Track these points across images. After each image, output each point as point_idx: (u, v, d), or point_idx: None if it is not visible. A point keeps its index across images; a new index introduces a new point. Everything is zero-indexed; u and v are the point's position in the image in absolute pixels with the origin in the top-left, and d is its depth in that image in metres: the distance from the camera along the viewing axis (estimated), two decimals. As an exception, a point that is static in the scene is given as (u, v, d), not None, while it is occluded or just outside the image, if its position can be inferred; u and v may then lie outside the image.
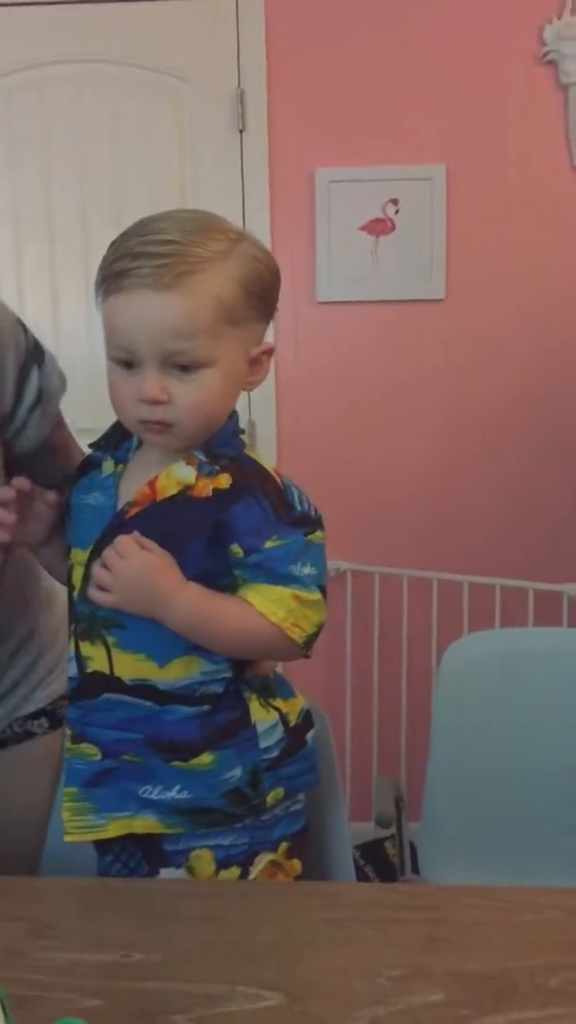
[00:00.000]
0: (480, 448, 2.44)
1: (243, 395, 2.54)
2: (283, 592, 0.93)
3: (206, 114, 2.39)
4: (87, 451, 1.05)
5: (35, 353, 1.06)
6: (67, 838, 1.00)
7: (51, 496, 1.00)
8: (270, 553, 0.92)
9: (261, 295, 0.93)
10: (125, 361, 0.92)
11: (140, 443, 1.00)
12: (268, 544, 0.92)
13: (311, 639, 0.96)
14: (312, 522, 0.96)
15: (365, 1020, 0.72)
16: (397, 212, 2.39)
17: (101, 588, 0.92)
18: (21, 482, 0.97)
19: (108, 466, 1.00)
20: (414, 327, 2.42)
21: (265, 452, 2.45)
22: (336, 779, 1.21)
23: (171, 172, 2.41)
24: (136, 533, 0.92)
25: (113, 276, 0.90)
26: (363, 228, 2.41)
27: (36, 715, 1.20)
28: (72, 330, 2.34)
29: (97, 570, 0.92)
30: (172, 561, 0.92)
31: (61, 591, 1.26)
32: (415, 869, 1.56)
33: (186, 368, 0.90)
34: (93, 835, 0.99)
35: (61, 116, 2.39)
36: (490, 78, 2.33)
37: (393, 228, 2.39)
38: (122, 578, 0.91)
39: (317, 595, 0.95)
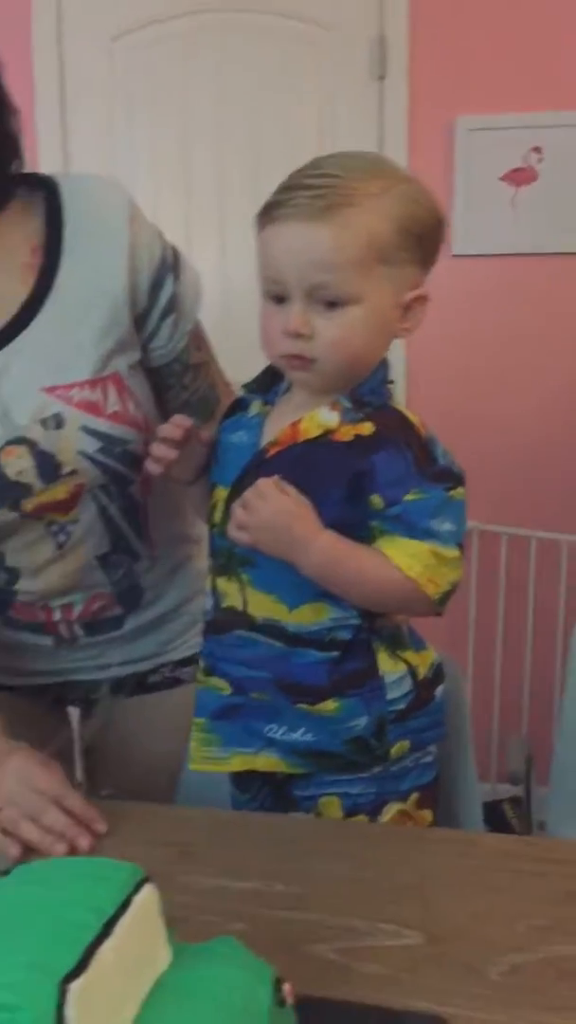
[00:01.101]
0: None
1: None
2: (421, 547, 0.91)
3: (346, 62, 2.35)
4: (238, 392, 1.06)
5: (174, 264, 1.07)
6: (192, 766, 1.03)
7: (204, 434, 1.01)
8: (409, 506, 0.91)
9: (418, 237, 0.91)
10: (275, 295, 0.92)
11: (289, 387, 1.00)
12: (408, 497, 0.91)
13: (445, 596, 0.94)
14: (454, 477, 0.94)
15: (506, 966, 0.72)
16: (540, 161, 2.31)
17: (240, 528, 0.93)
18: (183, 420, 0.99)
19: (255, 407, 1.01)
20: (555, 281, 2.35)
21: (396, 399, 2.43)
22: (467, 734, 1.21)
23: (310, 121, 2.40)
24: (277, 477, 0.92)
25: (269, 208, 0.90)
26: (503, 178, 2.34)
27: (186, 662, 1.24)
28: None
29: (237, 510, 0.93)
30: (310, 508, 0.92)
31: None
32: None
33: (331, 304, 0.89)
34: (216, 767, 1.01)
35: (202, 65, 2.39)
36: None
37: (536, 178, 2.32)
38: (260, 519, 0.91)
39: (455, 552, 0.93)
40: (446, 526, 0.93)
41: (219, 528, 0.99)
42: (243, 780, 1.04)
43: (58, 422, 1.01)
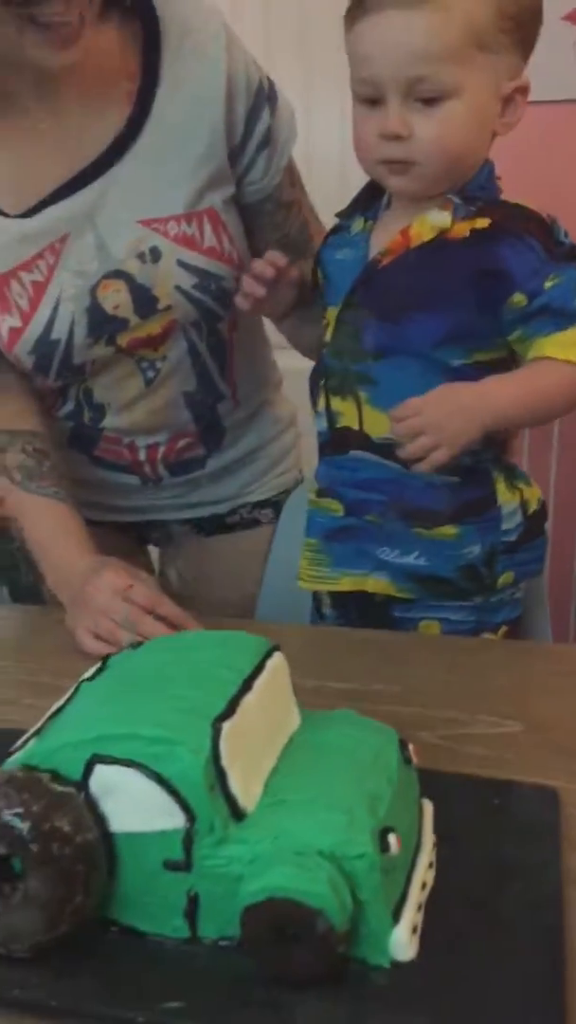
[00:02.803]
0: None
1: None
2: (574, 333, 0.88)
3: None
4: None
5: (270, 94, 1.04)
6: (302, 584, 1.05)
7: (294, 272, 1.00)
8: (553, 293, 0.88)
9: (517, 20, 0.87)
10: (369, 98, 0.88)
11: (390, 202, 0.97)
12: (548, 284, 0.88)
13: None
14: None
15: (604, 751, 0.75)
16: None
17: (414, 433, 0.87)
18: (276, 257, 0.97)
19: (358, 224, 0.98)
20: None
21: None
22: (544, 576, 1.21)
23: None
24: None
25: (359, 1, 0.86)
26: (566, 18, 2.22)
27: (263, 504, 1.26)
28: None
29: (416, 443, 0.87)
30: (448, 384, 0.89)
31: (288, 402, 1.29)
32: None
33: (430, 101, 0.85)
34: (326, 586, 1.03)
35: None
36: None
37: (604, 16, 2.20)
38: (438, 426, 0.86)
39: None
40: None
41: (331, 348, 0.97)
42: (342, 602, 1.05)
43: (155, 256, 1.01)
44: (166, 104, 0.99)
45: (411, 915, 0.53)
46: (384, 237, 0.95)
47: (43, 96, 0.98)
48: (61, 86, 0.97)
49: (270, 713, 0.59)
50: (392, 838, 0.53)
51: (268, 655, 0.62)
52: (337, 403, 0.98)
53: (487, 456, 0.96)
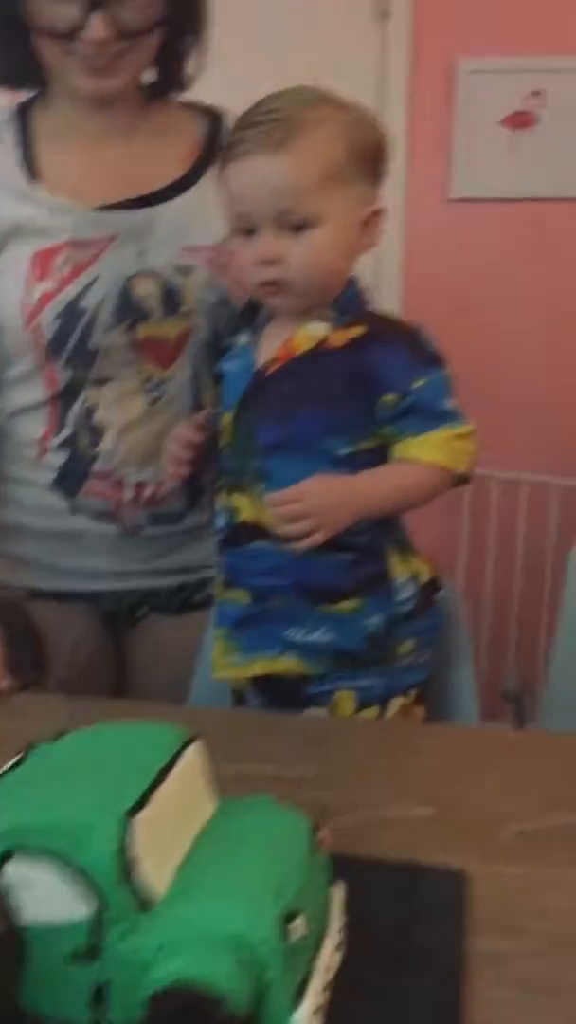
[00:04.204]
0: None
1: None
2: (440, 436, 0.99)
3: (348, 1, 2.35)
4: None
5: None
6: (215, 674, 1.10)
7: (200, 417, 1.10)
8: (421, 392, 0.98)
9: (368, 156, 0.99)
10: (245, 229, 0.98)
11: (271, 316, 1.06)
12: (416, 384, 0.98)
13: (472, 465, 1.03)
14: (443, 358, 1.02)
15: (515, 831, 0.79)
16: (540, 106, 2.33)
17: (300, 519, 0.97)
18: (196, 429, 1.08)
19: (243, 338, 1.08)
20: (552, 226, 2.38)
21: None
22: (467, 640, 1.27)
23: (307, 62, 2.38)
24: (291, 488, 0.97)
25: (228, 148, 0.98)
26: (503, 122, 2.36)
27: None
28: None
29: (296, 525, 0.96)
30: (326, 474, 0.98)
31: None
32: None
33: (298, 228, 0.96)
34: (239, 672, 1.08)
35: None
36: None
37: (535, 122, 2.34)
38: (317, 511, 0.96)
39: (469, 426, 1.01)
40: (453, 403, 1.01)
41: (228, 448, 1.06)
42: (257, 686, 1.10)
43: (187, 271, 1.14)
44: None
45: (314, 997, 0.56)
46: (269, 348, 1.04)
47: (117, 131, 1.17)
48: (134, 130, 1.19)
49: (184, 803, 0.62)
50: (297, 922, 0.55)
51: (186, 745, 0.65)
52: (236, 499, 1.05)
53: (379, 533, 1.04)
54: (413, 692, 1.09)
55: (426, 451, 0.98)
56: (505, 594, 2.50)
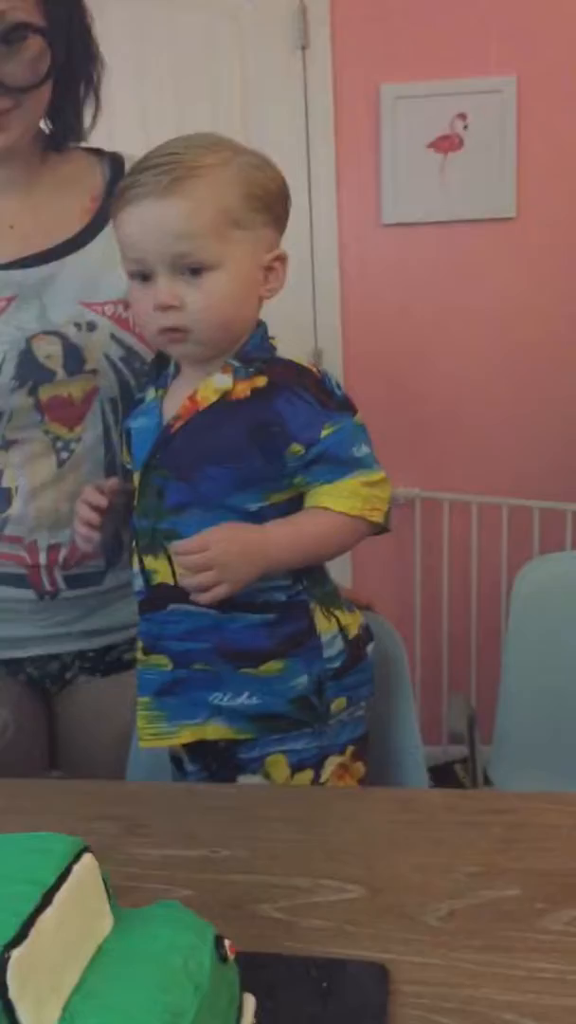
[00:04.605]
0: (553, 371, 2.40)
1: (308, 323, 2.52)
2: (351, 483, 0.96)
3: (268, 32, 2.34)
4: None
5: None
6: (142, 744, 1.05)
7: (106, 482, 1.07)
8: (329, 441, 0.95)
9: (265, 200, 0.96)
10: (140, 274, 0.95)
11: (178, 370, 1.03)
12: (324, 433, 0.95)
13: (388, 514, 1.00)
14: (353, 405, 0.99)
15: (444, 911, 0.75)
16: (466, 128, 2.32)
17: (205, 591, 0.93)
18: (102, 493, 1.05)
19: (150, 394, 1.05)
20: (484, 247, 2.37)
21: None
22: (408, 689, 1.24)
23: (232, 92, 2.38)
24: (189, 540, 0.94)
25: (120, 193, 0.95)
26: (431, 145, 2.35)
27: None
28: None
29: (199, 577, 0.93)
30: (234, 523, 0.95)
31: None
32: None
33: (195, 271, 0.93)
34: (166, 741, 1.03)
35: (120, 37, 2.35)
36: (563, -19, 2.24)
37: (462, 144, 2.33)
38: (221, 563, 0.92)
39: (381, 473, 0.98)
40: (365, 450, 0.98)
41: (138, 510, 1.02)
42: (187, 752, 1.06)
43: (91, 327, 1.11)
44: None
45: None
46: (174, 403, 1.01)
47: (15, 184, 1.15)
48: (34, 183, 1.16)
49: (74, 924, 0.58)
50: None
51: (77, 858, 0.61)
52: (150, 561, 1.01)
53: (301, 588, 1.00)
54: (350, 749, 1.05)
55: (338, 500, 0.95)
56: (460, 622, 2.48)
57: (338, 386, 0.98)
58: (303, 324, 2.43)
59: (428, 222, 2.37)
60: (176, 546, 0.94)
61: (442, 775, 2.31)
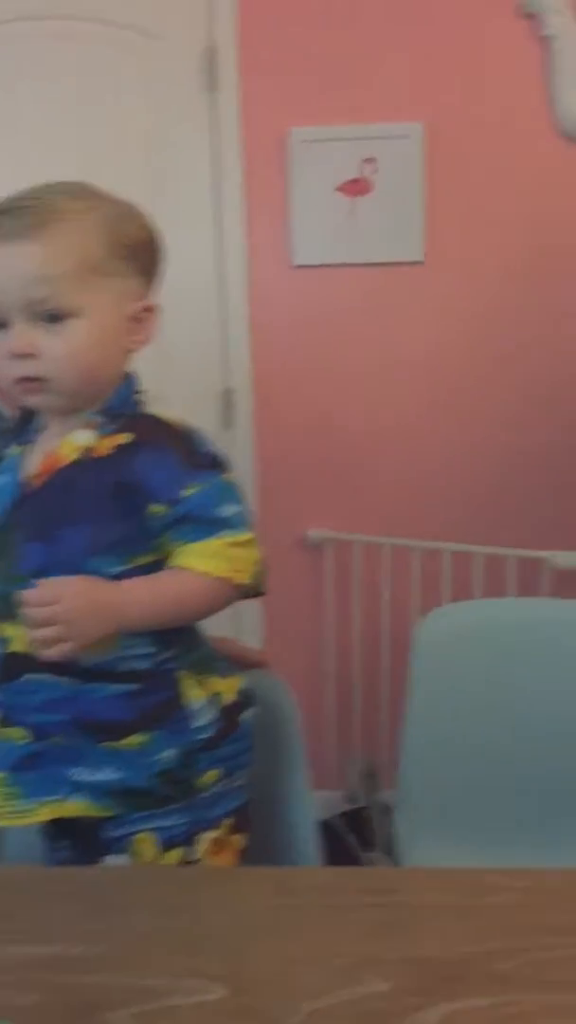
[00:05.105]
0: (461, 413, 2.40)
1: (218, 363, 2.49)
2: (216, 544, 0.91)
3: (176, 73, 2.32)
4: None
5: None
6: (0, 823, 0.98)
7: None
8: (193, 501, 0.91)
9: (131, 249, 0.93)
10: None
11: (44, 426, 0.99)
12: (187, 492, 0.91)
13: (259, 576, 0.95)
14: (223, 463, 0.95)
15: (306, 1012, 0.70)
16: (374, 172, 2.33)
17: (52, 645, 0.88)
18: None
19: (13, 450, 0.99)
20: (393, 290, 2.37)
21: (242, 420, 2.42)
22: (299, 754, 1.19)
23: (139, 133, 2.35)
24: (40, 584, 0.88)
25: None
26: (339, 189, 2.35)
27: None
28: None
29: (44, 631, 0.87)
30: (88, 578, 0.90)
31: None
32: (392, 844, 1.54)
33: (54, 319, 0.89)
34: (25, 820, 0.97)
35: (26, 73, 2.31)
36: (468, 32, 2.27)
37: (370, 188, 2.33)
38: (68, 618, 0.86)
39: (248, 534, 0.94)
40: (232, 509, 0.93)
41: None
42: (53, 830, 0.99)
43: None
44: None
45: None
46: (35, 460, 0.96)
47: None
48: None
49: None
50: None
51: None
52: (5, 628, 0.95)
53: (168, 656, 0.95)
54: (227, 822, 1.00)
55: (200, 559, 0.91)
56: (372, 668, 2.45)
57: (205, 443, 0.94)
58: (212, 364, 2.40)
59: (338, 264, 2.36)
60: (24, 595, 0.88)
61: (355, 820, 2.25)
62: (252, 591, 0.95)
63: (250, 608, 2.45)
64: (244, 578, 0.93)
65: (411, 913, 0.82)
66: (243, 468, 2.43)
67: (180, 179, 2.34)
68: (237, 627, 2.43)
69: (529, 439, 2.39)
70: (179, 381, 2.40)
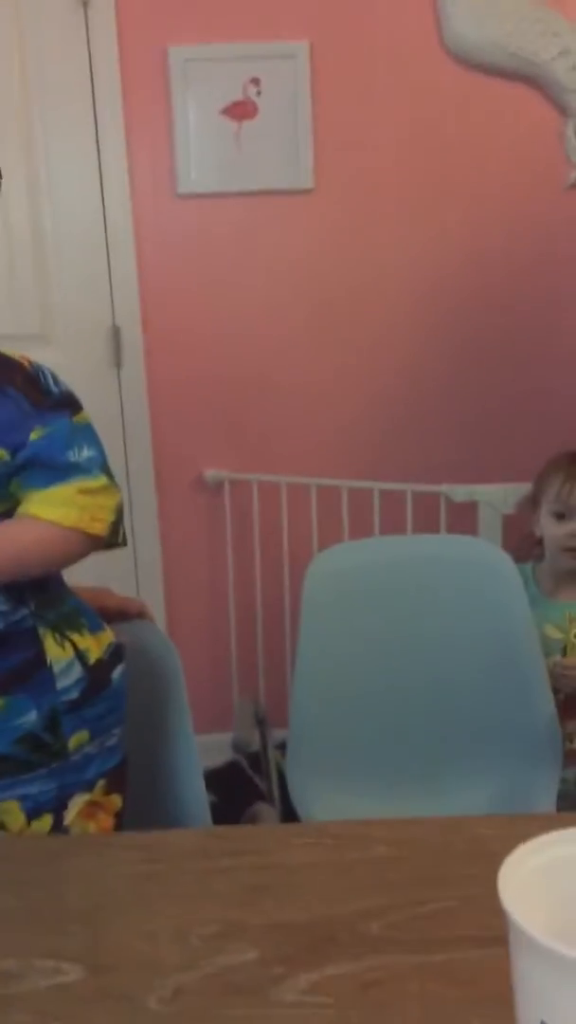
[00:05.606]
0: (353, 346, 2.36)
1: (105, 300, 2.38)
2: (66, 491, 0.86)
3: (45, -15, 2.16)
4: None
5: None
6: None
7: None
8: (40, 444, 0.85)
9: None
10: None
11: None
12: (34, 436, 0.85)
13: (115, 526, 0.89)
14: (75, 402, 0.89)
15: (169, 989, 0.67)
16: (259, 93, 2.22)
17: None
18: None
19: None
20: (281, 219, 2.29)
21: (132, 358, 2.32)
22: (184, 706, 1.16)
23: (10, 54, 2.19)
24: None
25: None
26: (224, 112, 2.24)
27: None
28: None
29: None
30: None
31: None
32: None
33: None
34: None
35: None
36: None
37: (256, 112, 2.23)
38: None
39: (103, 479, 0.88)
40: (85, 453, 0.88)
41: None
42: None
43: None
44: None
45: None
46: None
47: None
48: None
49: None
50: None
51: None
52: None
53: (27, 613, 0.89)
54: (101, 783, 0.96)
55: (48, 508, 0.85)
56: (275, 607, 2.43)
57: (56, 383, 0.88)
58: (99, 301, 2.29)
59: (224, 193, 2.27)
60: None
61: (261, 761, 2.24)
62: (110, 541, 0.89)
63: (149, 550, 2.40)
64: (99, 528, 0.87)
65: (282, 875, 0.80)
66: (136, 409, 2.35)
67: (55, 100, 2.20)
68: (134, 570, 2.38)
69: (423, 373, 2.36)
70: (65, 318, 2.30)
